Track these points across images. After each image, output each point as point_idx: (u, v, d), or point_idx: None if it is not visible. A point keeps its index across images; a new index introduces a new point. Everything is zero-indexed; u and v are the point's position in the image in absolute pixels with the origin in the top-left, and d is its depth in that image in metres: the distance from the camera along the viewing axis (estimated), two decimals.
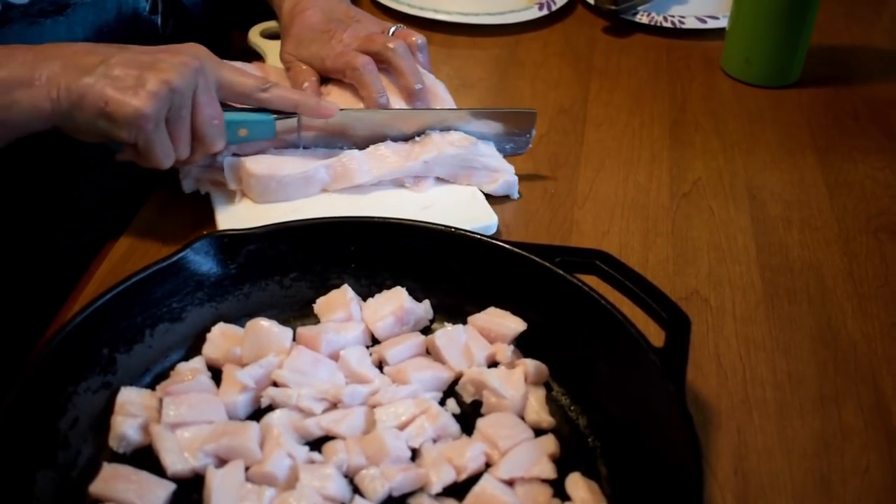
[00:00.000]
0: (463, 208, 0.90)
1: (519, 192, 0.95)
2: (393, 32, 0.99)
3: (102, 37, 0.94)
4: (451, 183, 0.93)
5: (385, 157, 0.91)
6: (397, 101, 0.96)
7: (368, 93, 0.94)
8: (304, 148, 0.90)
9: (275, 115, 0.87)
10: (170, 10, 1.03)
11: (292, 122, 0.88)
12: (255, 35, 1.18)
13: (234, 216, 0.87)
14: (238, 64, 0.90)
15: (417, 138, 0.93)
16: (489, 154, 0.94)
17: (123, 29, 0.96)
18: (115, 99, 0.75)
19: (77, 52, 0.77)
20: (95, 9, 0.93)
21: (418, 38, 0.99)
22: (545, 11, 1.30)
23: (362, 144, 0.92)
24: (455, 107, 0.98)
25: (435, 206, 0.90)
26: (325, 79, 0.99)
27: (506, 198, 0.94)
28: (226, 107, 0.84)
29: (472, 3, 1.33)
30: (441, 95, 0.99)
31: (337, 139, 0.91)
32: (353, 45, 0.97)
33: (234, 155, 0.88)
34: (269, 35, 1.16)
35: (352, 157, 0.90)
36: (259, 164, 0.87)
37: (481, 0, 1.34)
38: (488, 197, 0.92)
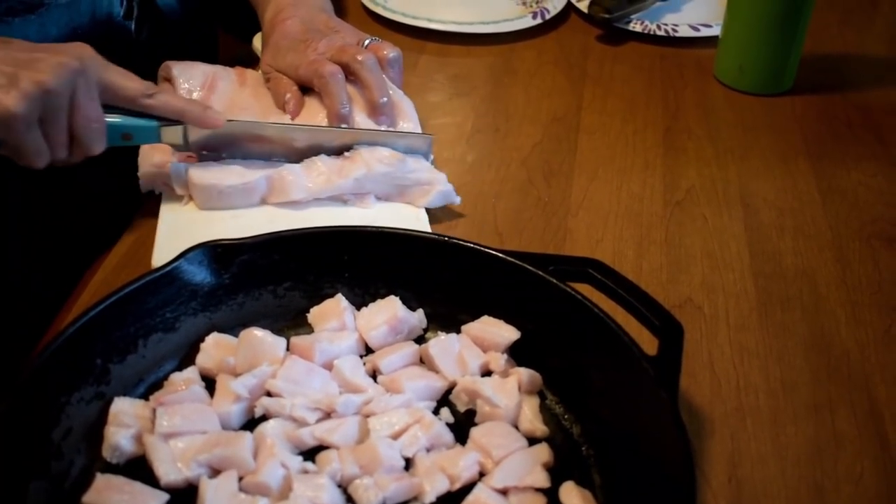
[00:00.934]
0: (403, 226, 0.86)
1: (459, 198, 0.94)
2: (367, 45, 0.98)
3: (76, 38, 0.92)
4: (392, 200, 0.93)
5: (319, 171, 0.91)
6: (360, 114, 0.95)
7: (331, 102, 0.93)
8: (199, 155, 0.89)
9: (160, 122, 0.85)
10: (145, 15, 1.03)
11: (177, 129, 0.86)
12: (257, 41, 1.18)
13: (175, 219, 0.88)
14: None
15: (347, 153, 0.92)
16: (419, 168, 0.93)
17: (96, 32, 0.97)
18: None
19: None
20: (69, 10, 0.93)
21: (391, 51, 0.98)
22: (539, 20, 1.31)
23: (259, 157, 0.91)
24: (420, 125, 0.98)
25: (376, 222, 0.88)
26: (306, 89, 0.98)
27: (498, 205, 0.94)
28: (112, 110, 0.82)
29: (467, 11, 1.33)
30: (407, 112, 0.98)
31: (233, 149, 0.90)
32: (326, 55, 0.96)
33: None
34: None
35: (290, 170, 0.90)
36: (202, 174, 0.88)
37: (475, 9, 1.35)
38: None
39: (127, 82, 0.82)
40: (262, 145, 0.90)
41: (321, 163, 0.91)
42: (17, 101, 0.73)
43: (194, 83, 0.95)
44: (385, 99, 0.95)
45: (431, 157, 0.95)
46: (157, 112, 0.84)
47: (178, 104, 0.85)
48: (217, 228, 0.86)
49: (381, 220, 0.89)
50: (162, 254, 0.82)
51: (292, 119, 0.95)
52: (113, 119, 0.83)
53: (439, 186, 0.93)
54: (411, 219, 0.91)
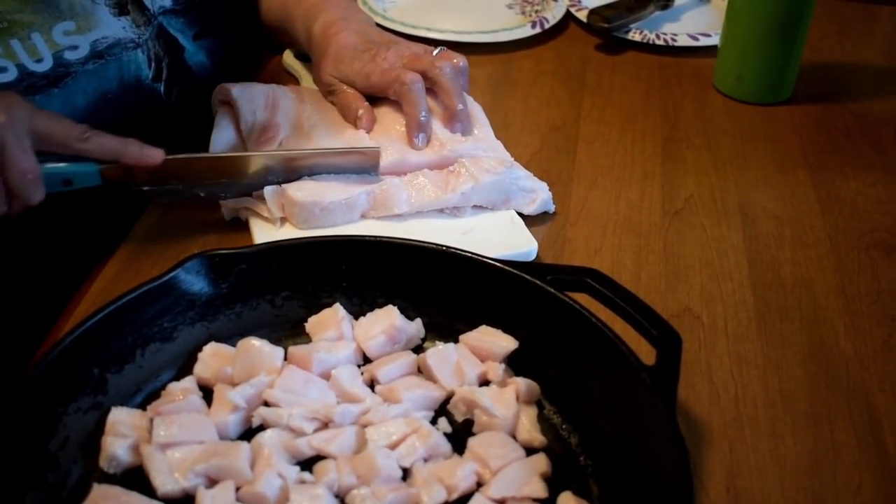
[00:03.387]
0: (502, 234, 0.89)
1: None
2: (437, 53, 0.99)
3: (106, 105, 0.94)
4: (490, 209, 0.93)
5: (423, 186, 0.91)
6: (436, 122, 0.96)
7: (412, 110, 0.93)
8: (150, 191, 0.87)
9: (99, 164, 0.83)
10: (174, 76, 1.03)
11: (118, 167, 0.83)
12: (289, 57, 1.19)
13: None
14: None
15: (451, 167, 0.92)
16: (524, 175, 0.94)
17: (125, 97, 0.96)
18: None
19: None
20: (97, 77, 0.93)
21: (461, 60, 0.99)
22: (538, 30, 1.31)
23: (211, 190, 0.89)
24: (492, 131, 0.98)
25: (474, 231, 0.90)
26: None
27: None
28: (50, 155, 0.80)
29: (466, 21, 1.33)
30: (479, 118, 0.99)
31: (181, 184, 0.87)
32: (398, 63, 0.97)
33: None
34: (304, 57, 1.16)
35: (391, 184, 0.90)
36: (302, 192, 0.87)
37: (474, 18, 1.35)
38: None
39: (59, 129, 0.79)
40: (208, 176, 0.87)
41: (423, 177, 0.91)
42: None
43: (257, 104, 0.95)
44: (462, 106, 0.96)
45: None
46: (93, 155, 0.81)
47: (114, 145, 0.82)
48: None
49: (479, 228, 0.90)
50: None
51: (367, 132, 0.95)
52: (50, 167, 0.80)
53: (542, 194, 0.94)
54: (507, 224, 0.91)
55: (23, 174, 0.77)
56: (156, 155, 0.83)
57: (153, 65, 1.00)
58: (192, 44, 1.07)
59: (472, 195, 0.91)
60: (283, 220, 0.89)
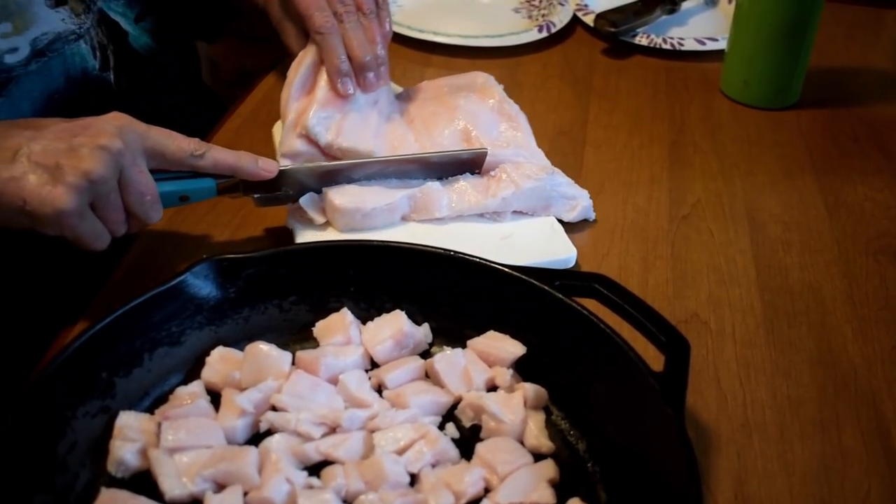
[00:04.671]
0: (542, 241, 0.90)
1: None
2: None
3: (53, 105, 0.91)
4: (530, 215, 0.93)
5: (464, 191, 0.91)
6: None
7: (328, 59, 0.91)
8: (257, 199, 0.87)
9: (216, 179, 0.83)
10: (122, 63, 1.00)
11: (234, 181, 0.84)
12: (277, 130, 1.17)
13: None
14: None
15: (493, 172, 0.93)
16: (565, 182, 0.94)
17: (75, 93, 0.93)
18: (33, 196, 0.71)
19: None
20: (41, 77, 0.90)
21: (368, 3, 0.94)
22: (545, 34, 1.31)
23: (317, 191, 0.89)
24: (533, 138, 0.98)
25: (514, 236, 0.90)
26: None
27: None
28: (162, 172, 0.80)
29: (472, 25, 1.33)
30: (522, 125, 0.98)
31: (291, 189, 0.88)
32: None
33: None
34: None
35: (432, 188, 0.90)
36: (344, 198, 0.87)
37: (481, 22, 1.35)
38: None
39: (172, 145, 0.78)
40: (320, 182, 0.89)
41: (464, 181, 0.92)
42: (65, 197, 0.71)
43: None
44: (367, 56, 0.92)
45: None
46: (208, 171, 0.82)
47: (230, 161, 0.82)
48: None
49: (518, 233, 0.90)
50: None
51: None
52: (167, 186, 0.81)
53: (583, 201, 0.94)
54: (547, 230, 0.91)
55: (141, 196, 0.77)
56: (271, 168, 0.84)
57: (98, 54, 0.97)
58: (135, 27, 1.04)
59: (513, 201, 0.91)
60: (326, 224, 0.89)
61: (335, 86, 0.91)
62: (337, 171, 0.89)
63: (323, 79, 0.92)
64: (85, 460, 0.66)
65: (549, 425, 0.70)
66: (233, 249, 0.77)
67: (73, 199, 0.71)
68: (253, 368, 0.71)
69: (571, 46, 1.32)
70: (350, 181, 0.89)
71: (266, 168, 0.84)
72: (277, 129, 1.03)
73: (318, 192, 0.89)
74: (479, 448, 0.67)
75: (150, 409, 0.70)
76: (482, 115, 0.97)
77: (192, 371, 0.73)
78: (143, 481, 0.65)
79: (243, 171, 0.83)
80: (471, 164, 0.93)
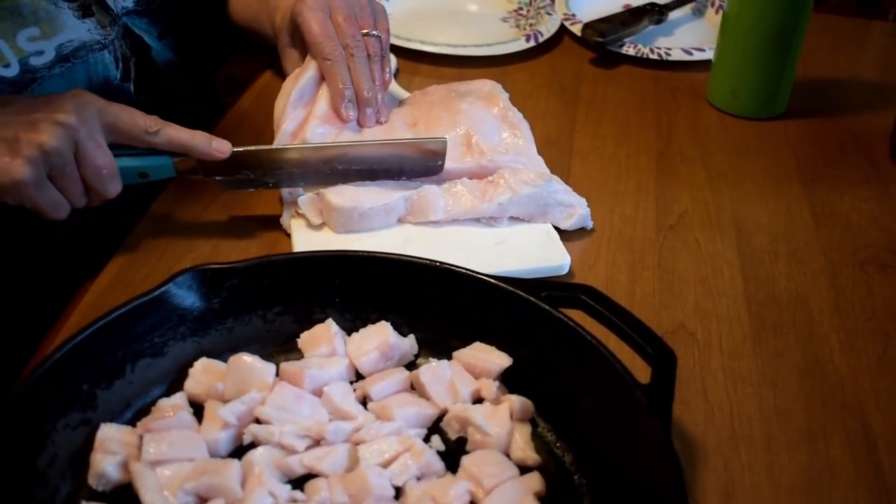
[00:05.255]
0: (536, 247, 0.90)
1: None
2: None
3: None
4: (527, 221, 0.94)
5: (461, 195, 0.92)
6: (481, 131, 0.96)
7: (333, 85, 0.94)
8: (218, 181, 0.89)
9: (172, 157, 0.86)
10: (143, 75, 1.03)
11: (191, 160, 0.86)
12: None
13: (310, 245, 0.88)
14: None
15: (490, 178, 0.93)
16: (562, 190, 0.94)
17: None
18: None
19: None
20: (64, 81, 0.93)
21: (375, 46, 0.98)
22: (532, 43, 1.31)
23: (286, 181, 0.90)
24: (534, 146, 0.98)
25: (508, 241, 0.91)
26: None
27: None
28: (122, 148, 0.83)
29: (460, 34, 1.33)
30: (524, 132, 0.98)
31: (252, 174, 0.89)
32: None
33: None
34: None
35: (429, 191, 0.91)
36: (341, 197, 0.89)
37: (469, 32, 1.35)
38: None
39: (128, 121, 0.82)
40: (277, 167, 0.89)
41: (462, 186, 0.93)
42: (21, 168, 0.76)
43: None
44: (368, 93, 0.95)
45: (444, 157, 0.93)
46: (163, 148, 0.85)
47: (184, 139, 0.85)
48: (354, 248, 0.87)
49: (513, 238, 0.91)
50: None
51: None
52: (126, 161, 0.84)
53: (580, 210, 0.94)
54: (542, 236, 0.91)
55: (98, 170, 0.80)
56: (223, 149, 0.86)
57: (121, 65, 1.00)
58: (158, 43, 1.06)
59: (509, 206, 0.91)
60: (322, 224, 0.90)
61: (338, 109, 0.94)
62: (294, 153, 0.89)
63: (323, 97, 0.94)
64: (65, 473, 0.65)
65: (536, 437, 0.70)
66: (217, 259, 0.77)
67: (28, 170, 0.76)
68: (236, 380, 0.71)
69: (559, 56, 1.32)
70: (310, 169, 0.90)
71: (219, 148, 0.86)
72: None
73: (277, 179, 0.90)
74: (465, 461, 0.67)
75: (132, 422, 0.69)
76: (485, 121, 0.98)
77: (175, 382, 0.73)
78: (124, 495, 0.64)
79: (196, 150, 0.85)
80: (431, 156, 0.92)
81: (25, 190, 0.77)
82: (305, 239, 0.89)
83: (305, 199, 0.89)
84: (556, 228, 0.93)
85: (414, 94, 1.05)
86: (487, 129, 0.97)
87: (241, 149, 0.88)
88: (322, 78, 0.95)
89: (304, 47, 0.98)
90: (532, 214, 0.93)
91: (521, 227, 0.93)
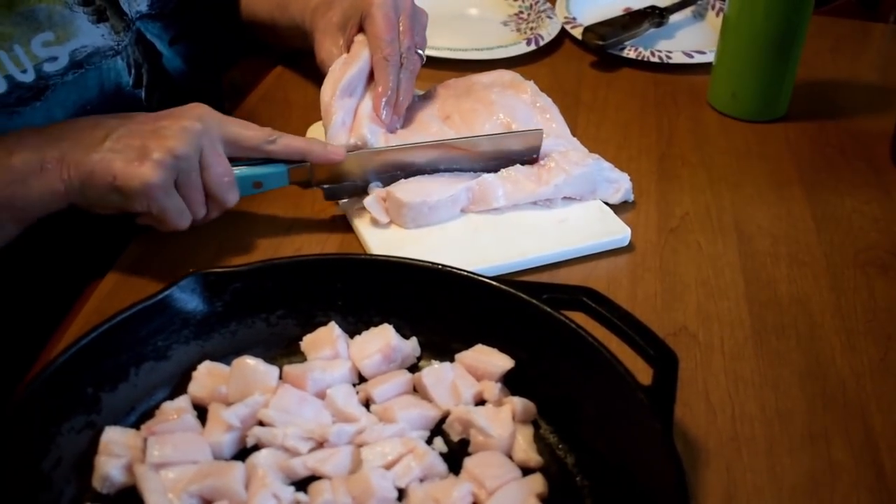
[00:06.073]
0: (596, 222, 0.94)
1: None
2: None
3: (85, 115, 0.91)
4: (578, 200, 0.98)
5: (517, 180, 0.95)
6: (522, 118, 1.01)
7: (383, 84, 0.97)
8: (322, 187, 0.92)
9: (287, 165, 0.89)
10: (154, 82, 1.03)
11: (305, 167, 0.90)
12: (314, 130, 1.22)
13: (384, 240, 0.91)
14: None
15: (542, 162, 0.97)
16: (608, 167, 0.99)
17: (107, 106, 0.96)
18: (122, 172, 0.77)
19: (82, 129, 0.80)
20: (77, 88, 0.92)
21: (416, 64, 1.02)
22: (533, 46, 1.31)
23: (387, 179, 0.94)
24: (567, 128, 1.03)
25: (569, 220, 0.95)
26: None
27: None
28: (237, 160, 0.86)
29: (461, 38, 1.33)
30: (555, 116, 1.03)
31: (359, 180, 0.93)
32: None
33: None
34: None
35: (487, 179, 0.95)
36: (409, 193, 0.91)
37: (470, 35, 1.35)
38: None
39: (247, 133, 0.86)
40: (384, 169, 0.93)
41: (515, 172, 0.96)
42: (152, 171, 0.78)
43: None
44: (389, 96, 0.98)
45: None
46: (280, 156, 0.88)
47: (300, 146, 0.89)
48: (428, 242, 0.91)
49: (572, 217, 0.95)
50: None
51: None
52: (242, 170, 0.87)
53: (625, 184, 0.99)
54: (597, 212, 0.96)
55: (220, 177, 0.83)
56: (339, 152, 0.90)
57: (133, 71, 1.00)
58: (169, 49, 1.07)
59: (564, 187, 0.95)
60: (390, 223, 0.93)
61: (378, 109, 0.97)
62: (401, 154, 0.93)
63: (369, 95, 0.98)
64: (70, 476, 0.65)
65: (538, 439, 0.70)
66: (220, 262, 0.77)
67: (159, 174, 0.78)
68: (240, 383, 0.71)
69: (560, 60, 1.33)
70: (412, 167, 0.94)
71: (334, 152, 0.89)
72: (313, 130, 1.07)
73: (381, 181, 0.93)
74: (468, 462, 0.67)
75: (136, 425, 0.69)
76: (519, 108, 1.02)
77: (179, 386, 0.73)
78: (128, 497, 0.64)
79: (313, 155, 0.89)
80: (527, 150, 0.97)
81: (154, 194, 0.78)
82: (378, 238, 0.91)
83: (372, 199, 0.92)
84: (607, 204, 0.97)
85: (434, 89, 1.08)
86: (523, 115, 1.02)
87: (354, 153, 0.91)
88: (371, 74, 0.98)
89: (349, 35, 1.01)
90: (583, 192, 0.97)
91: (575, 206, 0.97)
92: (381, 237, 0.91)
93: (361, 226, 0.93)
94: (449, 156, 0.95)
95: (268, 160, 0.88)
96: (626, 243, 0.93)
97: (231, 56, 1.31)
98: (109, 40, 0.96)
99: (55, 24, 0.90)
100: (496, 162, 0.96)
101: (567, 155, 0.97)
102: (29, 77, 0.88)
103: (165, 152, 0.78)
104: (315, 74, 1.03)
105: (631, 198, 0.99)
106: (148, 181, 0.77)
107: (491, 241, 0.90)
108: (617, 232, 0.93)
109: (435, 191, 0.92)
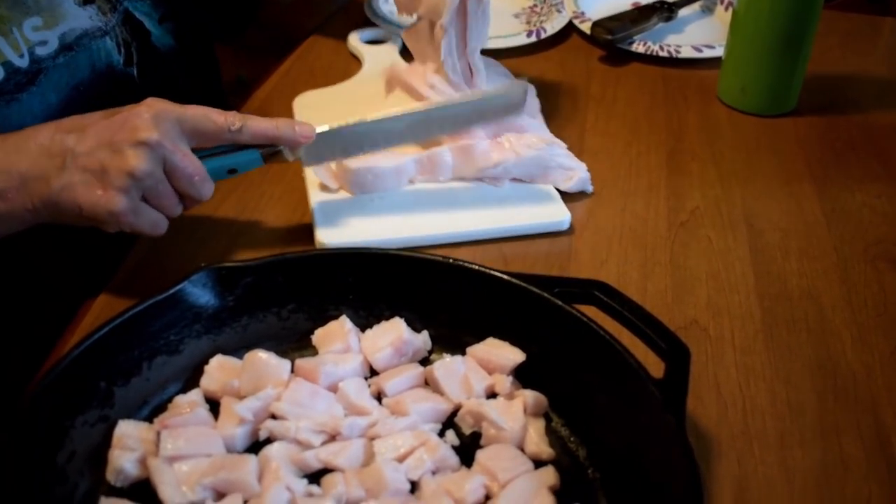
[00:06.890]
0: (537, 204, 0.96)
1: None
2: None
3: (79, 96, 0.94)
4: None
5: (469, 155, 0.97)
6: None
7: None
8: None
9: (259, 149, 0.85)
10: (145, 60, 1.03)
11: (277, 149, 0.86)
12: (354, 40, 1.26)
13: (327, 205, 0.94)
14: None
15: (498, 138, 0.98)
16: (563, 154, 0.99)
17: (99, 86, 0.96)
18: (86, 202, 0.75)
19: (38, 153, 0.76)
20: (68, 69, 0.93)
21: None
22: (534, 38, 1.31)
23: (370, 150, 0.93)
24: (540, 113, 1.06)
25: (510, 199, 0.96)
26: None
27: None
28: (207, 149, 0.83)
29: None
30: (529, 101, 1.04)
31: (337, 151, 0.91)
32: None
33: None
34: (370, 41, 1.27)
35: (437, 153, 0.96)
36: (355, 160, 0.94)
37: None
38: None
39: (209, 124, 0.81)
40: (363, 141, 0.92)
41: (470, 147, 0.97)
42: (116, 199, 0.75)
43: None
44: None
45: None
46: (248, 143, 0.84)
47: (267, 130, 0.84)
48: (368, 208, 0.94)
49: (515, 197, 0.96)
50: (323, 235, 0.90)
51: None
52: (213, 162, 0.83)
53: (580, 173, 0.99)
54: (543, 195, 0.97)
55: (190, 178, 0.80)
56: (308, 132, 0.87)
57: (122, 50, 1.00)
58: (158, 28, 1.07)
59: (513, 168, 0.97)
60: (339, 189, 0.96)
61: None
62: (378, 125, 0.91)
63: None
64: (84, 470, 0.66)
65: (550, 432, 0.70)
66: (232, 256, 0.77)
67: (123, 201, 0.76)
68: (252, 377, 0.71)
69: (568, 54, 1.32)
70: (391, 139, 0.92)
71: (304, 133, 0.86)
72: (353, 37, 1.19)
73: (361, 150, 0.93)
74: (480, 455, 0.67)
75: (149, 418, 0.70)
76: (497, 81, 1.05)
77: (191, 379, 0.73)
78: (142, 490, 0.65)
79: (283, 139, 0.86)
80: (511, 106, 0.96)
81: (124, 219, 0.77)
82: (320, 198, 0.94)
83: (321, 167, 0.94)
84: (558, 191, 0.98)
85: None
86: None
87: (325, 128, 0.88)
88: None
89: None
90: (534, 176, 0.98)
91: (523, 186, 0.98)
92: (323, 198, 0.94)
93: (311, 187, 0.95)
94: (426, 124, 0.93)
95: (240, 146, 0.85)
96: (565, 227, 0.93)
97: (227, 29, 1.31)
98: (97, 21, 0.96)
99: (42, 9, 0.90)
100: (481, 122, 0.96)
101: (522, 137, 0.98)
102: (24, 62, 0.89)
103: (125, 177, 0.75)
104: (321, 72, 1.03)
105: (589, 189, 0.99)
106: (113, 210, 0.75)
107: (428, 211, 0.93)
108: (555, 216, 0.94)
109: (381, 160, 0.94)
